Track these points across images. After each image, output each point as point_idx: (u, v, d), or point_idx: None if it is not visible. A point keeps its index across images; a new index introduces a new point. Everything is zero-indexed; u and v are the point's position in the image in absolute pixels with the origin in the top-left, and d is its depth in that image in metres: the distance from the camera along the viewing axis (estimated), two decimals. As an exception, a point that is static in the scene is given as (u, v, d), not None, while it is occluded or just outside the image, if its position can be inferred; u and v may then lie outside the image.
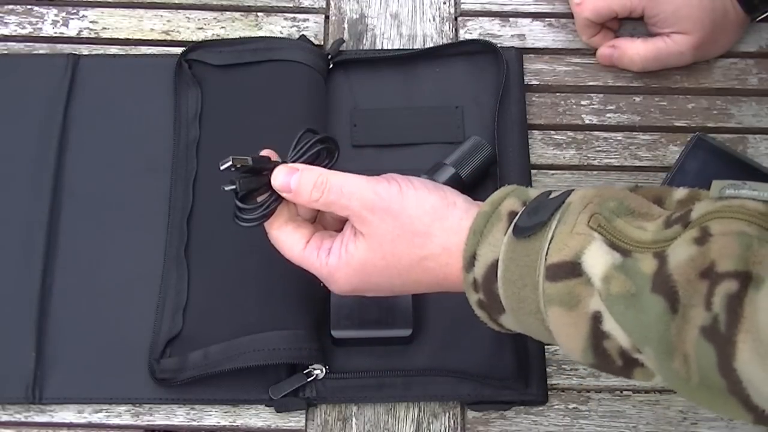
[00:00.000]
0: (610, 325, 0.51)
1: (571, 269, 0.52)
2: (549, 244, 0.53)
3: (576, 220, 0.53)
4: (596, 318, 0.52)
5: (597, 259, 0.51)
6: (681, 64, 0.82)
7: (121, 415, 0.72)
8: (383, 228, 0.59)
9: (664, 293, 0.48)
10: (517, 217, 0.56)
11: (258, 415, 0.72)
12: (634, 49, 0.81)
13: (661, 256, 0.50)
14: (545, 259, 0.53)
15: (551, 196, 0.56)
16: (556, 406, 0.72)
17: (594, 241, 0.52)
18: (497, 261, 0.56)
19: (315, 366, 0.70)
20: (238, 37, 0.83)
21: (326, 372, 0.70)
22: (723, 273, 0.47)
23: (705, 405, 0.50)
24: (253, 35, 0.84)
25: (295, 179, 0.61)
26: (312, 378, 0.70)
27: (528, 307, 0.55)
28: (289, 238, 0.63)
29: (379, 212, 0.59)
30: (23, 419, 0.71)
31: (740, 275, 0.46)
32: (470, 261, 0.57)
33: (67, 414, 0.72)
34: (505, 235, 0.56)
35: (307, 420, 0.72)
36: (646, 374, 0.53)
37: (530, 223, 0.55)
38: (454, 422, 0.72)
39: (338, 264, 0.61)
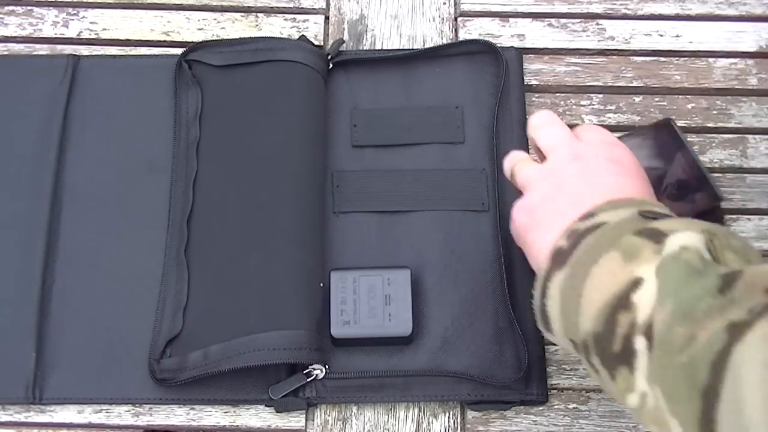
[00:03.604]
0: (642, 293, 0.52)
1: (656, 234, 0.54)
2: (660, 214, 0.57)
3: (699, 225, 0.55)
4: (635, 283, 0.53)
5: (686, 239, 0.53)
6: None
7: (121, 415, 0.72)
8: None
9: (724, 281, 0.50)
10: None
11: (258, 415, 0.72)
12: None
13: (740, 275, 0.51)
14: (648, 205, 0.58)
15: None
16: (556, 406, 0.72)
17: (697, 234, 0.54)
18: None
19: (315, 366, 0.70)
20: (238, 37, 0.83)
21: (326, 372, 0.70)
22: None
23: (659, 382, 0.50)
24: (253, 36, 0.84)
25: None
26: (312, 378, 0.70)
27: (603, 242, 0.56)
28: None
29: None
30: (23, 419, 0.71)
31: None
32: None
33: (67, 414, 0.72)
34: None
35: (307, 420, 0.72)
36: (627, 382, 0.53)
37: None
38: (454, 422, 0.72)
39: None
